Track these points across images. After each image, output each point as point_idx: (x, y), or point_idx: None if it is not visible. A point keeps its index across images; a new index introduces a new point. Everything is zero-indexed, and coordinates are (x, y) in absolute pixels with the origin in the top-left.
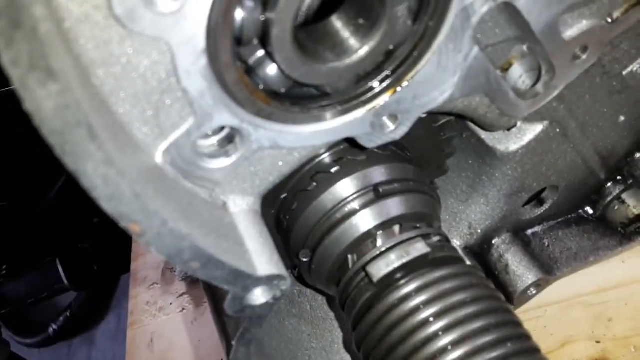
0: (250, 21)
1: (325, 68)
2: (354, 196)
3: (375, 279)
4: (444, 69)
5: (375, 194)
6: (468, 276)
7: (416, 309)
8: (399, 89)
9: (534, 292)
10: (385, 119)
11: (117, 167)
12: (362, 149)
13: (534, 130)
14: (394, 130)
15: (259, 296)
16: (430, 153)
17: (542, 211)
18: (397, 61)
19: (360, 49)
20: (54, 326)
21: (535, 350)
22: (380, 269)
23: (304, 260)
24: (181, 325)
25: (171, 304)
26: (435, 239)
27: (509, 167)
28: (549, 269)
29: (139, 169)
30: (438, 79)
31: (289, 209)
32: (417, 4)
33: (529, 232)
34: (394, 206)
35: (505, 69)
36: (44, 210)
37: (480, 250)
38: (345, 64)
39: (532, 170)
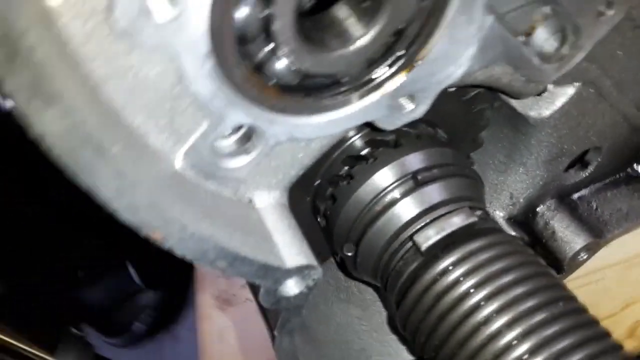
0: (252, 18)
1: (334, 56)
2: (393, 185)
3: (423, 248)
4: (457, 43)
5: (415, 182)
6: (509, 244)
7: (461, 279)
8: (413, 68)
9: (585, 256)
10: (402, 100)
11: (130, 178)
12: (394, 132)
13: (566, 93)
14: (413, 110)
15: (292, 287)
16: (463, 127)
17: (587, 174)
18: (408, 40)
19: (367, 34)
20: (137, 324)
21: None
22: (428, 238)
23: (349, 254)
24: (250, 315)
25: (234, 295)
26: (478, 213)
27: (544, 133)
28: (598, 232)
29: (157, 177)
30: (453, 53)
31: (326, 197)
32: None
33: (575, 196)
34: (435, 192)
35: (529, 33)
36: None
37: (525, 220)
38: (353, 50)
39: (569, 134)
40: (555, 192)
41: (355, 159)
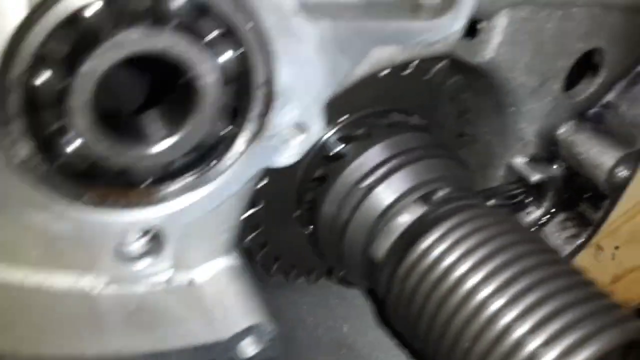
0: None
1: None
2: (364, 179)
3: (378, 259)
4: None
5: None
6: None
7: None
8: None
9: (625, 172)
10: (287, 133)
11: None
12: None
13: (499, 24)
14: (309, 134)
15: (247, 348)
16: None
17: (603, 78)
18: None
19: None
20: None
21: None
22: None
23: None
24: None
25: None
26: (440, 194)
27: (505, 70)
28: (631, 139)
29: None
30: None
31: (307, 203)
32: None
33: (599, 106)
34: (394, 185)
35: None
36: None
37: (551, 153)
38: (152, 151)
39: (536, 58)
40: (571, 113)
41: (328, 159)
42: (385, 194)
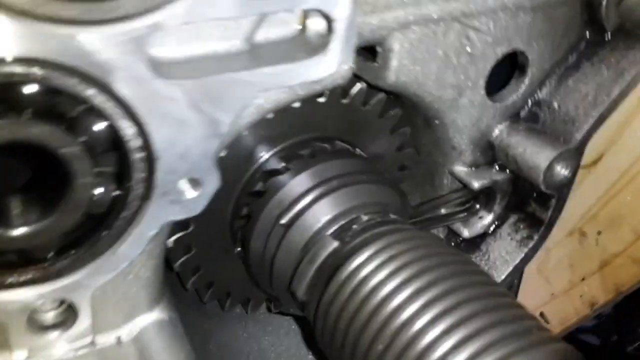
0: None
1: None
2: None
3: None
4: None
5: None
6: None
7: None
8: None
9: (566, 170)
10: (182, 186)
11: None
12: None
13: (394, 47)
14: (203, 189)
15: None
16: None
17: (530, 77)
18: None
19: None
20: None
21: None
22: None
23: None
24: None
25: None
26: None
27: (415, 88)
28: (567, 135)
29: None
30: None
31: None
32: None
33: (531, 106)
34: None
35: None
36: None
37: (491, 159)
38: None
39: (448, 71)
40: (503, 116)
41: (251, 195)
42: (302, 230)
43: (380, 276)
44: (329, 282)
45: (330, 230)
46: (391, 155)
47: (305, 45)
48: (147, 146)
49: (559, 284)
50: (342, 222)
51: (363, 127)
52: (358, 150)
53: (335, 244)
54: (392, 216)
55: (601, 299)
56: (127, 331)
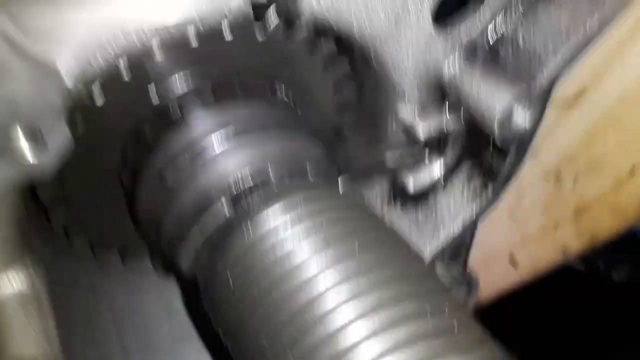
0: None
1: None
2: None
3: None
4: None
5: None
6: None
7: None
8: None
9: (525, 117)
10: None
11: None
12: None
13: None
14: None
15: None
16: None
17: (489, 3)
18: None
19: None
20: None
21: None
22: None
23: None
24: None
25: None
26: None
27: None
28: (529, 71)
29: None
30: None
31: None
32: None
33: (492, 41)
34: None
35: None
36: None
37: (439, 102)
38: None
39: None
40: (456, 51)
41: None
42: (190, 193)
43: (279, 253)
44: (217, 258)
45: (224, 195)
46: (326, 99)
47: None
48: None
49: (531, 228)
50: (240, 184)
51: (288, 67)
52: (280, 95)
53: (227, 212)
54: (309, 177)
55: (574, 247)
56: None
